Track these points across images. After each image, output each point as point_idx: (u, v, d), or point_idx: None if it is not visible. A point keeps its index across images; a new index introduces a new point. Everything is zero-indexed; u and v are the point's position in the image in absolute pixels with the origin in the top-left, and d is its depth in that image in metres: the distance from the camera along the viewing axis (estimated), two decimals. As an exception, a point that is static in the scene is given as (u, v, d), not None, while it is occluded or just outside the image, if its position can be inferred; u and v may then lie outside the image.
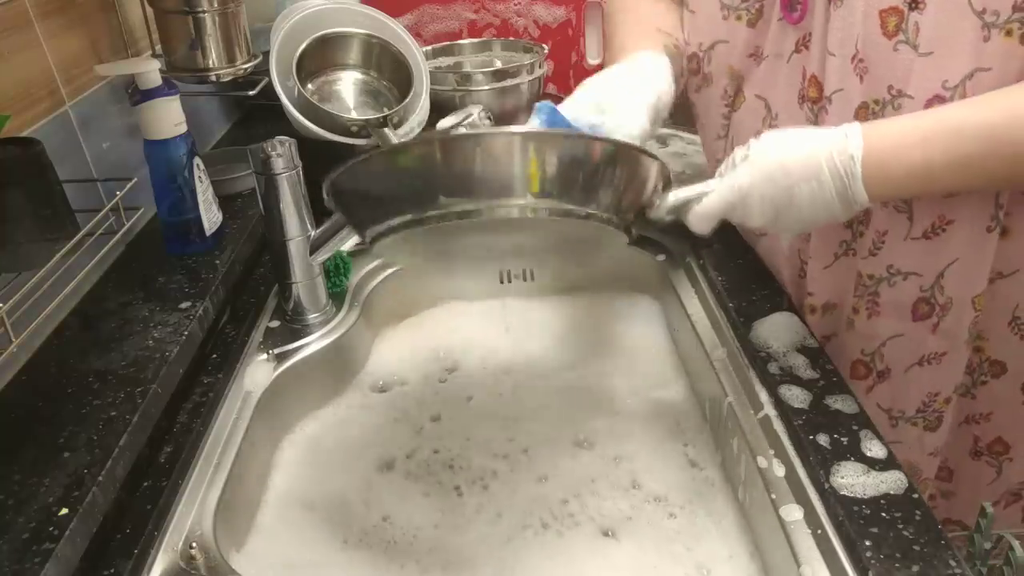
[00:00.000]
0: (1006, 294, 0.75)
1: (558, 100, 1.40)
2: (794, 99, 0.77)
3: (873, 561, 0.53)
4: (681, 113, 0.92)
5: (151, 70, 0.83)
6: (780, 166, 0.64)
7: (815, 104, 0.75)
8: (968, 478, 0.88)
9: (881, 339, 0.81)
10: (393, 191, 0.56)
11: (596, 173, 0.55)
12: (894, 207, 0.74)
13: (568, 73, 1.47)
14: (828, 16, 0.71)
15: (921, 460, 0.86)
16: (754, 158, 0.65)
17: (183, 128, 0.86)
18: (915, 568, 0.52)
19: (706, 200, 0.66)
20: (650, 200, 0.63)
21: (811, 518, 0.59)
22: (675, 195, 0.66)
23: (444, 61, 1.31)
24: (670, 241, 0.98)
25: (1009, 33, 0.62)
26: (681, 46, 0.86)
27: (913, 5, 0.65)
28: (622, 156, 0.58)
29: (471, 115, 0.68)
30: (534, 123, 0.71)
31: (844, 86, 0.71)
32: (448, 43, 1.33)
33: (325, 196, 0.59)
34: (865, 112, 0.70)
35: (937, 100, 0.66)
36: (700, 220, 0.67)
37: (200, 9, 0.93)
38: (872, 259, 0.77)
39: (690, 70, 0.87)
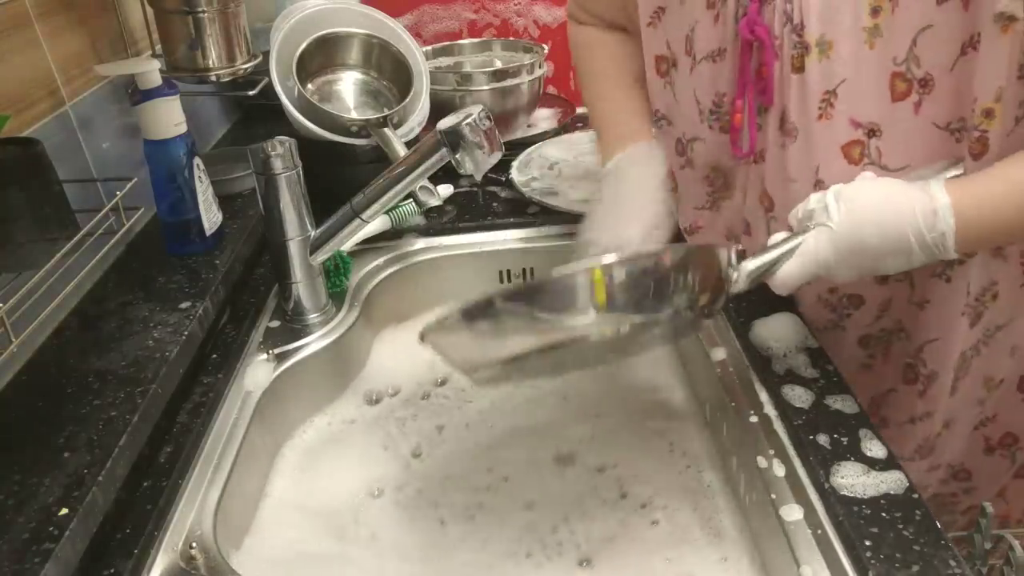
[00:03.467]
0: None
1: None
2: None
3: (873, 561, 0.53)
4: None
5: (151, 70, 0.83)
6: (868, 243, 0.61)
7: (768, 212, 0.79)
8: (985, 473, 0.91)
9: (881, 391, 0.86)
10: None
11: (666, 289, 0.56)
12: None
13: (568, 73, 1.47)
14: (783, 146, 0.73)
15: (920, 479, 0.89)
16: (838, 229, 0.62)
17: (183, 128, 0.86)
18: (915, 568, 0.52)
19: (788, 268, 0.64)
20: (727, 279, 0.62)
21: (811, 518, 0.59)
22: (752, 264, 0.64)
23: (444, 61, 1.31)
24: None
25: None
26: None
27: (871, 133, 0.69)
28: (692, 260, 0.57)
29: (471, 115, 0.68)
30: None
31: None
32: (448, 43, 1.34)
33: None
34: None
35: None
36: (782, 288, 0.65)
37: (200, 9, 0.93)
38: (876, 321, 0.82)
39: (676, 150, 0.87)
